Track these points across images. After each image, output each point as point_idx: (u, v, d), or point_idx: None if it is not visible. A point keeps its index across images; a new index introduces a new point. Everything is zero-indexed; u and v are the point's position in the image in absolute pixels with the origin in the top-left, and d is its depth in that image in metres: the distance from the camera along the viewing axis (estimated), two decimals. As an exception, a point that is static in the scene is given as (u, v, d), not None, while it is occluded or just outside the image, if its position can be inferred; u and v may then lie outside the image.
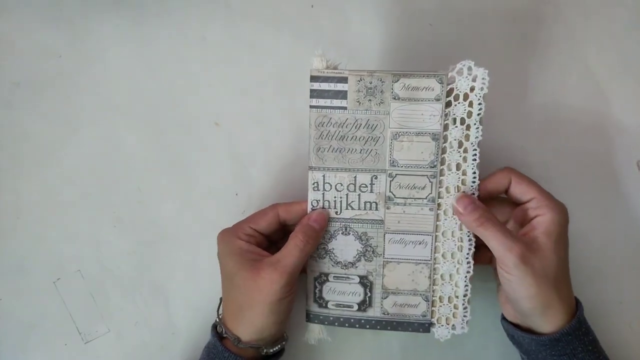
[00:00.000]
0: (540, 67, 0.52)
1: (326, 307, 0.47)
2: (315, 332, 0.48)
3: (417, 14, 0.52)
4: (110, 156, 0.51)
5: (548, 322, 0.42)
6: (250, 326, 0.43)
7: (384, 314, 0.47)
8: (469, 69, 0.43)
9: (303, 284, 0.48)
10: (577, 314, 0.43)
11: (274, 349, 0.45)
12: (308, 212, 0.46)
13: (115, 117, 0.51)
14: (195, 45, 0.52)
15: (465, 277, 0.45)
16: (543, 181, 0.51)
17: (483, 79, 0.43)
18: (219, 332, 0.45)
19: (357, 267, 0.46)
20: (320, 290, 0.47)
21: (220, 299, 0.47)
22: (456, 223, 0.45)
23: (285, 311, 0.44)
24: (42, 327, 0.50)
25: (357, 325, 0.47)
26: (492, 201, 0.45)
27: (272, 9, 0.52)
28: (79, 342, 0.50)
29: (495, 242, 0.41)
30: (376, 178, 0.45)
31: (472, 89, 0.43)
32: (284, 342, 0.46)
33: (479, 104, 0.43)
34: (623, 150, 0.52)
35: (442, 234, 0.46)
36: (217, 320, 0.46)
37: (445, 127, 0.44)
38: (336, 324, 0.47)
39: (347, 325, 0.47)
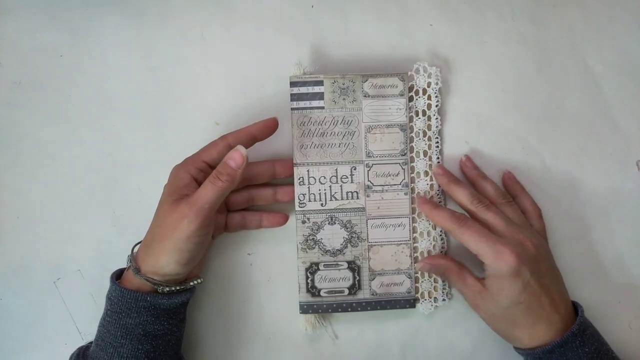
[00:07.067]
0: (540, 67, 0.52)
1: (319, 295, 0.49)
2: (312, 321, 0.49)
3: (417, 14, 0.52)
4: (110, 156, 0.51)
5: (527, 340, 0.44)
6: (153, 259, 0.43)
7: (372, 294, 0.49)
8: (424, 68, 0.50)
9: (289, 276, 0.49)
10: (571, 330, 0.43)
11: (169, 289, 0.43)
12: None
13: (115, 117, 0.52)
14: (195, 45, 0.52)
15: (441, 252, 0.50)
16: (542, 182, 0.52)
17: (437, 75, 0.50)
18: (128, 264, 0.44)
19: (344, 253, 0.49)
20: (313, 280, 0.49)
21: None
22: None
23: (192, 253, 0.43)
24: (42, 327, 0.50)
25: (349, 309, 0.49)
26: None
27: (272, 9, 0.52)
28: (79, 342, 0.50)
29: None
30: (355, 169, 0.49)
31: (428, 85, 0.50)
32: (188, 286, 0.45)
33: (436, 96, 0.50)
34: (623, 150, 0.52)
35: (418, 215, 0.50)
36: (132, 251, 0.45)
37: (411, 119, 0.50)
38: (329, 310, 0.49)
39: (339, 310, 0.49)
